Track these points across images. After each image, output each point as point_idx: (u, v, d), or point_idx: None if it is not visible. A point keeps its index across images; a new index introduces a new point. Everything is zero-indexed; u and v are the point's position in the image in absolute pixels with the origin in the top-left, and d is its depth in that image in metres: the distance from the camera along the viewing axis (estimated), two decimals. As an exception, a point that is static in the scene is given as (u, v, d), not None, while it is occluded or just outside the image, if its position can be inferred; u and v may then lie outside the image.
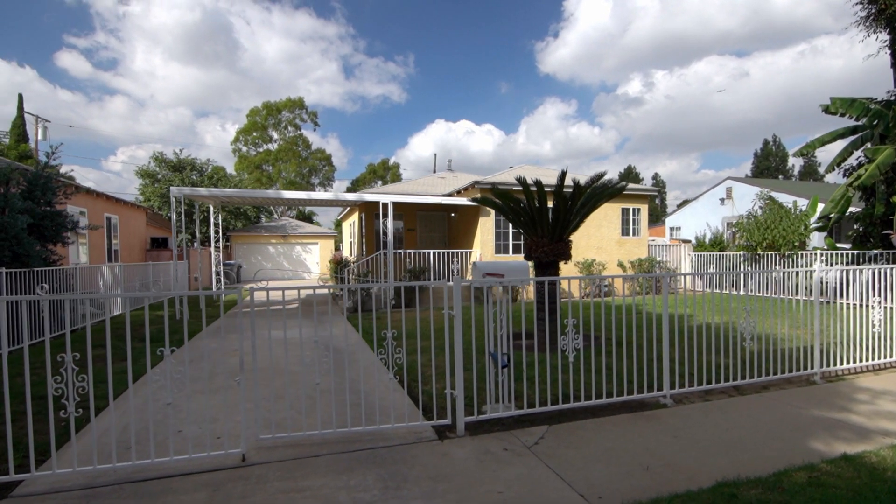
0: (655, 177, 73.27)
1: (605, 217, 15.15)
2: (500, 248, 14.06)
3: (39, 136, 33.98)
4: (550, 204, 6.28)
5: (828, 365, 5.61)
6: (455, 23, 78.17)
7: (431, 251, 13.13)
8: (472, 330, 4.77)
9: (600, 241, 15.10)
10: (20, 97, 34.03)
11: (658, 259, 15.74)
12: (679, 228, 27.67)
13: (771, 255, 13.03)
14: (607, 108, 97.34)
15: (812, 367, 5.48)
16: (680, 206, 34.03)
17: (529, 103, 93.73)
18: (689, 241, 17.92)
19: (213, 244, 14.78)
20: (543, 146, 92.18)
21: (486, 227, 13.93)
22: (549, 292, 6.60)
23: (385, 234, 12.66)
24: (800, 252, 12.67)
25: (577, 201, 6.18)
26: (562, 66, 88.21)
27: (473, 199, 7.02)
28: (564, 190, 6.26)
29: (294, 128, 43.86)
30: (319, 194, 12.03)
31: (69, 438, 3.58)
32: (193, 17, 58.96)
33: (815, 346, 5.47)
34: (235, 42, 61.89)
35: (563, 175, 6.04)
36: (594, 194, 6.45)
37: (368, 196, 12.50)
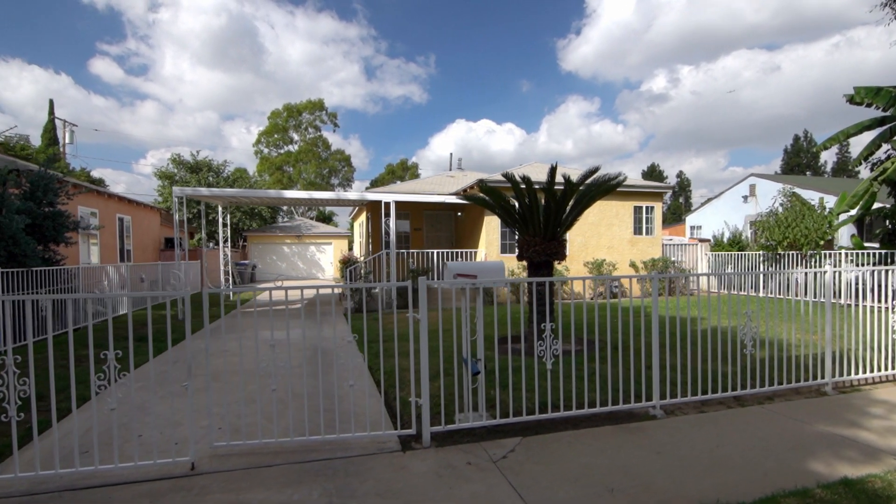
0: (680, 174, 71.37)
1: (617, 215, 14.65)
2: (507, 247, 13.73)
3: (67, 140, 35.18)
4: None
5: (841, 374, 5.15)
6: (476, 22, 77.81)
7: (435, 251, 12.90)
8: (438, 334, 4.53)
9: (611, 241, 14.61)
10: (51, 102, 35.25)
11: (673, 259, 15.15)
12: (700, 227, 26.73)
13: (793, 255, 12.34)
14: (631, 105, 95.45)
15: (823, 377, 5.04)
16: (702, 204, 32.88)
17: (551, 101, 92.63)
18: (707, 241, 17.22)
19: (221, 244, 14.89)
20: (565, 145, 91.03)
21: (491, 226, 13.62)
22: (542, 293, 6.30)
23: (387, 233, 12.50)
24: (824, 252, 11.94)
25: (568, 198, 5.86)
26: (584, 64, 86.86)
27: (463, 197, 6.76)
28: (556, 187, 5.94)
29: (314, 129, 44.29)
30: (321, 194, 11.96)
31: (31, 440, 3.51)
32: (220, 23, 60.33)
33: (826, 352, 5.03)
34: (260, 46, 63.07)
35: (552, 171, 5.72)
36: (589, 191, 6.12)
37: (370, 195, 12.35)
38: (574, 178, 5.88)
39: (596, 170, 5.97)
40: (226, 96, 66.28)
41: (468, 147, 76.55)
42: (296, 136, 44.11)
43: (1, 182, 7.36)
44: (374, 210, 15.54)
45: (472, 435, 4.00)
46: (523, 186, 5.81)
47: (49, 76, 61.86)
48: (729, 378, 4.81)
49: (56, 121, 34.22)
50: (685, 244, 15.99)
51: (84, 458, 3.50)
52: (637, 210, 14.91)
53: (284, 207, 37.36)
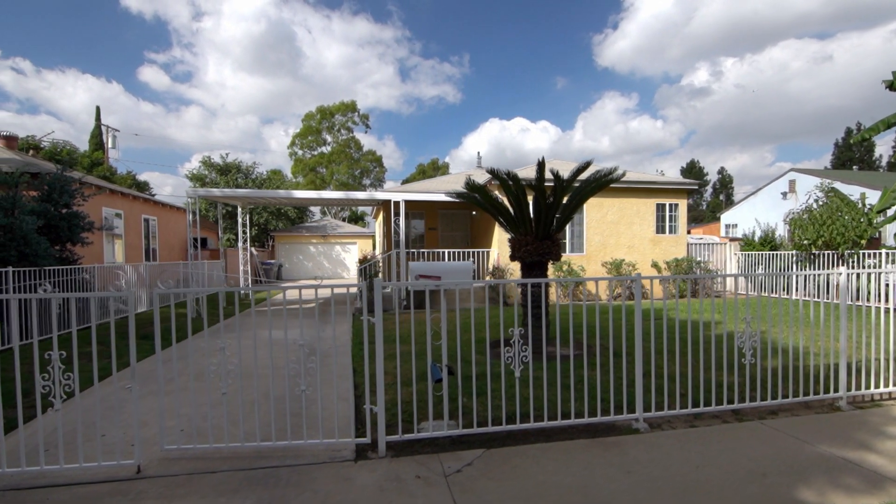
0: (721, 171, 68.38)
1: (638, 213, 14.01)
2: (520, 247, 13.36)
3: (109, 145, 37.01)
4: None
5: (858, 388, 4.62)
6: (510, 18, 76.91)
7: (445, 250, 12.70)
8: (411, 338, 4.33)
9: (631, 240, 13.98)
10: (97, 109, 37.21)
11: (698, 259, 14.36)
12: (735, 225, 25.34)
13: (829, 255, 11.40)
14: (670, 99, 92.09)
15: (837, 390, 4.53)
16: (739, 201, 31.17)
17: (587, 98, 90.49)
18: (737, 240, 16.26)
19: (240, 243, 15.19)
20: (601, 142, 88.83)
21: (503, 225, 13.29)
22: (535, 295, 6.00)
23: (396, 232, 12.40)
24: (864, 252, 10.98)
25: (560, 196, 5.54)
26: (621, 59, 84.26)
27: (450, 195, 6.52)
28: (546, 184, 5.62)
29: (346, 130, 44.90)
30: (331, 193, 11.96)
31: None
32: (259, 29, 62.20)
33: (840, 363, 4.52)
34: (298, 50, 64.65)
35: (540, 166, 5.40)
36: (583, 187, 5.77)
37: (378, 195, 12.28)
38: (566, 173, 5.54)
39: (587, 165, 5.60)
40: (265, 100, 68.37)
41: (501, 146, 75.87)
42: (328, 138, 44.84)
43: (13, 184, 7.67)
44: (388, 210, 15.48)
45: (434, 445, 3.79)
46: (511, 183, 5.52)
47: (101, 84, 65.61)
48: (726, 389, 4.39)
49: (102, 126, 36.14)
50: (712, 243, 15.14)
51: (47, 457, 3.49)
52: (660, 208, 14.22)
53: (316, 208, 38.09)
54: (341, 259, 31.10)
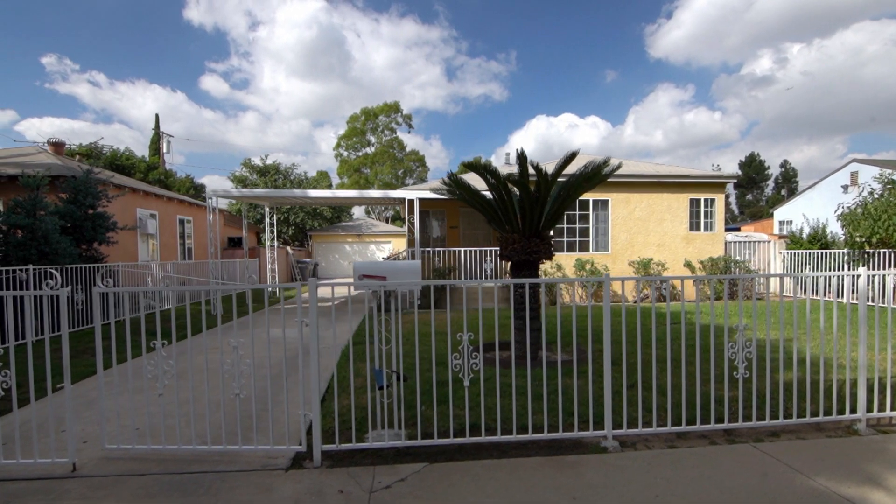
0: (784, 164, 63.82)
1: (669, 209, 13.11)
2: (539, 245, 12.85)
3: (164, 150, 39.45)
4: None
5: (882, 409, 3.95)
6: (558, 12, 74.97)
7: (462, 249, 12.41)
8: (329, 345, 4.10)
9: (662, 237, 13.10)
10: (157, 117, 39.73)
11: (737, 258, 13.25)
12: (790, 222, 23.28)
13: (887, 253, 10.10)
14: (729, 90, 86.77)
15: (856, 411, 3.89)
16: (794, 195, 28.63)
17: (638, 91, 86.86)
18: (784, 237, 14.89)
19: (268, 242, 15.60)
20: (654, 136, 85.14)
21: (522, 222, 12.84)
22: (524, 297, 5.62)
23: (411, 231, 12.24)
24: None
25: (544, 191, 5.13)
26: (676, 49, 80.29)
27: (435, 190, 6.23)
28: (531, 178, 5.23)
29: (390, 131, 45.45)
30: (345, 192, 12.01)
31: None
32: (311, 35, 64.38)
33: (859, 378, 3.87)
34: (347, 54, 66.32)
35: (521, 159, 5.01)
36: (571, 182, 5.32)
37: (394, 193, 12.18)
38: (552, 168, 5.13)
39: (573, 156, 5.14)
40: (316, 104, 70.64)
41: (549, 142, 74.24)
42: (372, 139, 45.51)
43: (35, 187, 8.13)
44: (411, 209, 15.38)
45: (379, 456, 3.55)
46: (490, 177, 5.17)
47: (167, 94, 70.19)
48: (714, 405, 3.87)
49: (159, 133, 38.60)
50: (754, 241, 13.93)
51: (5, 451, 3.56)
52: (694, 203, 13.23)
53: (360, 208, 38.82)
54: (376, 258, 31.48)
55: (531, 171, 5.07)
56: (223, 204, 26.38)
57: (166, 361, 3.55)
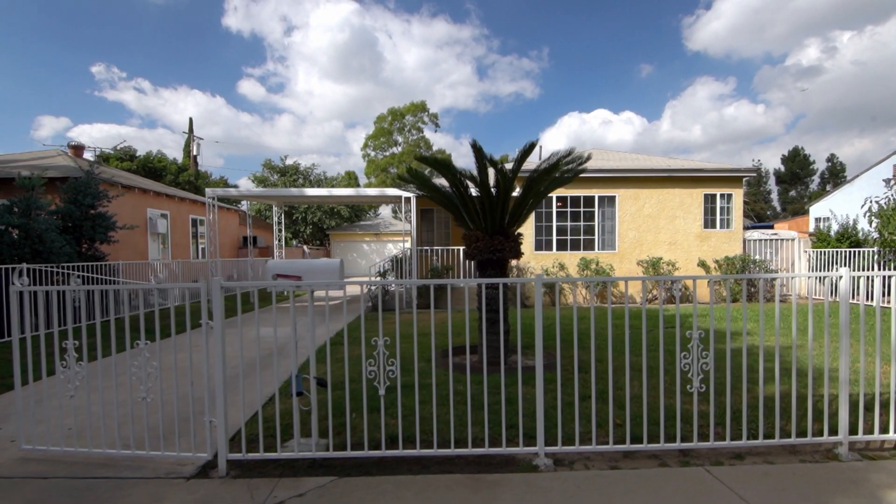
0: (831, 158, 60.31)
1: (681, 205, 12.38)
2: (542, 244, 12.39)
3: (194, 152, 40.86)
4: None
5: (869, 431, 3.43)
6: (592, 6, 73.11)
7: (460, 248, 12.09)
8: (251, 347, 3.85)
9: (674, 235, 12.39)
10: (190, 121, 41.25)
11: (757, 258, 12.38)
12: (827, 218, 21.70)
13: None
14: (773, 82, 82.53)
15: (837, 432, 3.38)
16: (830, 190, 26.68)
17: (675, 86, 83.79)
18: (812, 235, 13.84)
19: (275, 241, 15.74)
20: (692, 131, 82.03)
21: (524, 220, 12.40)
22: (492, 298, 5.30)
23: (408, 229, 12.01)
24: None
25: (503, 187, 4.78)
26: (715, 41, 77.00)
27: (398, 185, 5.94)
28: (497, 174, 4.88)
29: (417, 130, 45.44)
30: (341, 191, 11.90)
31: None
32: (343, 37, 65.32)
33: (840, 395, 3.37)
34: (379, 55, 66.88)
35: (477, 151, 4.66)
36: (534, 178, 4.95)
37: (390, 191, 11.97)
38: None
39: (532, 146, 4.75)
40: (348, 106, 71.50)
41: (581, 140, 72.66)
42: (399, 139, 45.60)
43: (30, 188, 8.36)
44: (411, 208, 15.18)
45: (291, 468, 3.34)
46: (447, 172, 4.85)
47: (207, 99, 72.82)
48: (680, 421, 3.45)
49: (193, 136, 40.04)
50: (777, 238, 12.99)
51: None
52: (709, 198, 12.45)
53: (387, 207, 38.96)
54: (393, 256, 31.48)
55: (490, 166, 4.74)
56: (243, 205, 26.98)
57: (77, 363, 3.43)
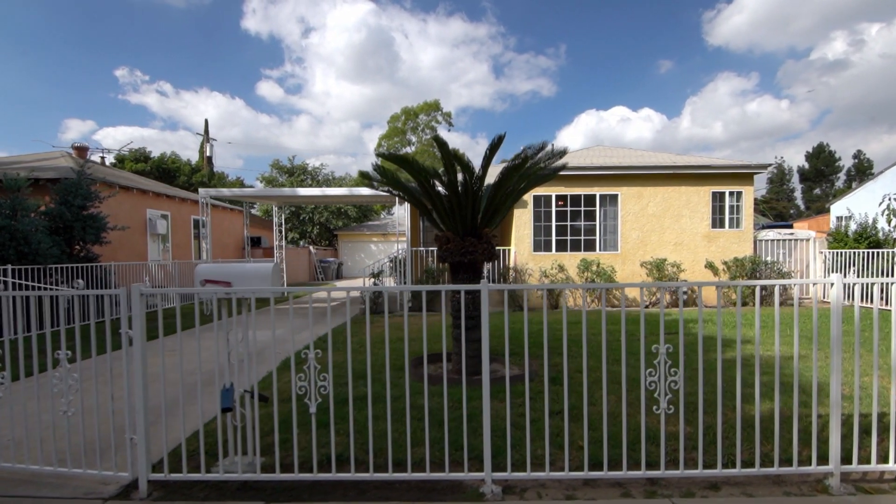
0: (857, 155, 58.25)
1: (688, 204, 11.84)
2: (541, 244, 11.99)
3: (207, 153, 41.37)
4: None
5: (865, 460, 3.02)
6: (609, 3, 71.73)
7: (457, 249, 11.77)
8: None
9: (679, 236, 11.86)
10: (206, 122, 41.76)
11: (768, 259, 11.78)
12: (849, 217, 20.76)
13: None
14: (797, 76, 79.97)
15: (828, 462, 2.98)
16: (853, 187, 25.50)
17: (695, 82, 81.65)
18: (828, 235, 13.14)
19: (275, 241, 15.66)
20: (713, 128, 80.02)
21: (521, 220, 12.01)
22: (465, 304, 4.98)
23: (403, 230, 11.73)
24: None
25: (470, 186, 4.46)
26: (736, 36, 74.83)
27: (361, 176, 5.65)
28: (464, 173, 4.57)
29: (430, 130, 45.18)
30: (334, 190, 11.74)
31: None
32: (360, 38, 65.28)
33: (831, 421, 2.97)
34: (395, 55, 66.68)
35: (442, 147, 4.35)
36: (504, 175, 4.61)
37: (382, 191, 11.67)
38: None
39: (500, 140, 4.40)
40: (365, 106, 71.30)
41: (599, 138, 71.32)
42: (413, 138, 45.38)
43: (16, 189, 8.32)
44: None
45: (218, 490, 3.09)
46: (414, 172, 4.54)
47: (226, 101, 73.76)
48: (651, 445, 3.09)
49: (208, 137, 40.58)
50: (790, 239, 12.36)
51: None
52: (717, 197, 11.89)
53: (399, 206, 38.90)
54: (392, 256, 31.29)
55: (458, 163, 4.42)
56: (255, 207, 27.05)
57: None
